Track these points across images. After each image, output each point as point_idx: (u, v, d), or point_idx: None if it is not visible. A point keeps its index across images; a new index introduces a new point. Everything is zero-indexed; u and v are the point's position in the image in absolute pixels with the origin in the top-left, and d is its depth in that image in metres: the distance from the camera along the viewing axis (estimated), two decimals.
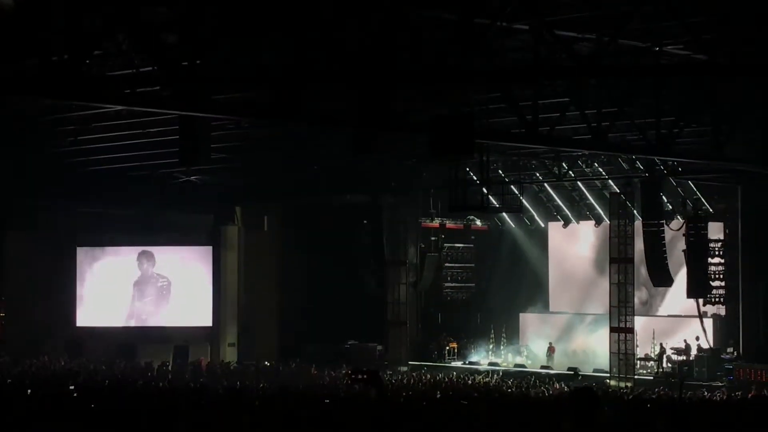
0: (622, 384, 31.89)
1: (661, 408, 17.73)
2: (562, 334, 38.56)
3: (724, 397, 26.85)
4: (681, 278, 33.43)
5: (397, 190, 38.29)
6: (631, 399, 23.39)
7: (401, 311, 38.89)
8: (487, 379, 32.91)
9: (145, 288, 40.35)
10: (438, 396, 23.55)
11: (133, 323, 40.22)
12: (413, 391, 26.56)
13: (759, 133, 27.07)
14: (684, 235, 32.94)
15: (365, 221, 39.93)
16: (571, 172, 33.87)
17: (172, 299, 40.27)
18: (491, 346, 39.08)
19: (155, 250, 40.54)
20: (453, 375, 34.22)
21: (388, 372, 34.72)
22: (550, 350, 37.29)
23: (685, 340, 34.13)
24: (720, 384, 31.04)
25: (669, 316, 36.30)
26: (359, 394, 18.76)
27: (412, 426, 14.09)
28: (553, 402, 21.48)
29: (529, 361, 37.67)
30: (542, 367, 36.22)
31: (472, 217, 40.77)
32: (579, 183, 36.30)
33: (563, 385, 30.92)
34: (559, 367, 36.01)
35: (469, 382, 31.78)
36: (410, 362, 38.02)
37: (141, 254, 40.34)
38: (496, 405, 18.82)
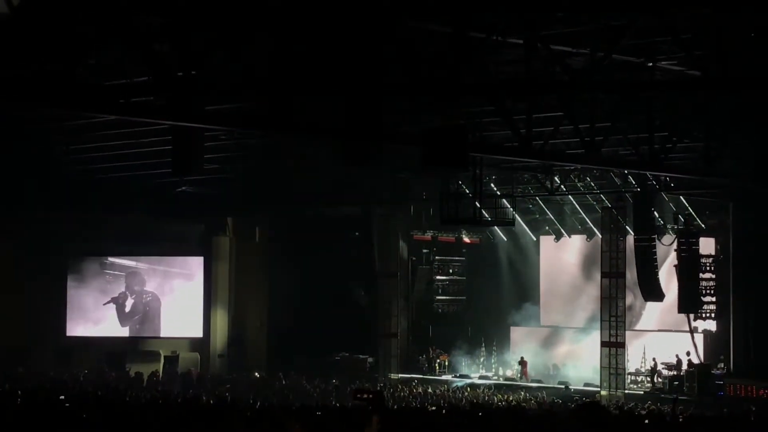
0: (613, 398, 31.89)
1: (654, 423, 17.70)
2: (553, 348, 38.54)
3: (715, 413, 26.83)
4: (669, 290, 33.50)
5: (388, 203, 38.25)
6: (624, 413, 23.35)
7: (392, 323, 38.87)
8: (477, 392, 32.88)
9: (133, 307, 40.26)
10: (432, 410, 23.49)
11: (122, 333, 40.09)
12: (405, 403, 26.52)
13: (750, 150, 27.13)
14: (675, 250, 33.01)
15: (356, 233, 39.93)
16: (563, 186, 33.89)
17: (162, 314, 40.15)
18: (482, 359, 39.04)
19: (146, 261, 40.45)
20: (444, 388, 34.20)
21: (380, 384, 34.67)
22: (522, 365, 37.22)
23: (676, 355, 34.13)
24: (710, 400, 31.04)
25: (659, 330, 36.33)
26: (353, 408, 18.71)
27: None
28: (544, 415, 21.44)
29: (520, 375, 37.60)
30: (532, 381, 36.20)
31: (464, 230, 40.78)
32: (571, 197, 36.32)
33: (554, 399, 30.95)
34: (548, 380, 36.01)
35: (459, 395, 31.76)
36: (401, 374, 37.96)
37: (129, 275, 40.23)
38: (487, 418, 18.78)
